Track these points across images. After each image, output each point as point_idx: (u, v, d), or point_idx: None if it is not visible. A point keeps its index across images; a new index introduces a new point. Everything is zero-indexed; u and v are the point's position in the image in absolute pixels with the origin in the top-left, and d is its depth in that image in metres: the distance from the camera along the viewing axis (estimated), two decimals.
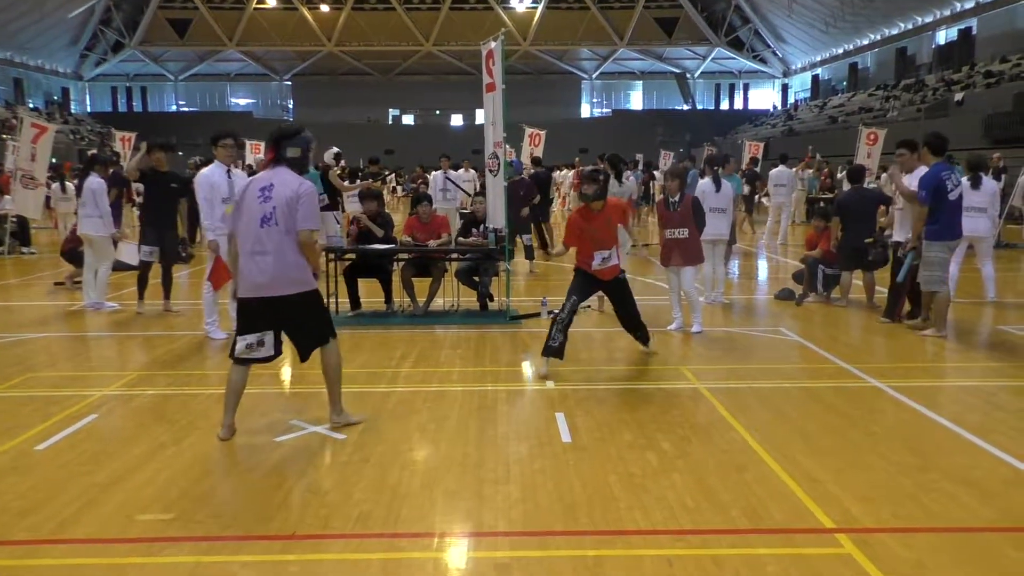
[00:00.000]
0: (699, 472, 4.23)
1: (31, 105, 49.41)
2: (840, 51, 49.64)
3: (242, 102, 62.24)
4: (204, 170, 7.59)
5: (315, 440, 4.80)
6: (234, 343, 4.77)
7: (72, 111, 54.36)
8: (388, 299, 8.96)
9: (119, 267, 11.42)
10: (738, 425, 4.98)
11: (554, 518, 3.69)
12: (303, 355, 4.94)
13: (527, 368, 6.58)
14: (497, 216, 8.43)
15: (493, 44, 8.18)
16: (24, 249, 15.45)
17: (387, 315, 8.72)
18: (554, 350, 6.20)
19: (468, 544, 3.47)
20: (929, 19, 40.75)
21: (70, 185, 17.81)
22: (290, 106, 61.35)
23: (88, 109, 57.93)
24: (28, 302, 10.13)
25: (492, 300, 9.01)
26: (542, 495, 3.94)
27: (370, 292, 9.14)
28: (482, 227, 8.93)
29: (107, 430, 4.98)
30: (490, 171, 8.61)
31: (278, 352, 4.79)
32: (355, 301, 8.82)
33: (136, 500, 3.89)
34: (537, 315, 8.60)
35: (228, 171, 7.49)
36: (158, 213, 8.76)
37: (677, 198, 7.73)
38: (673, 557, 3.31)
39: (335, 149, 14.14)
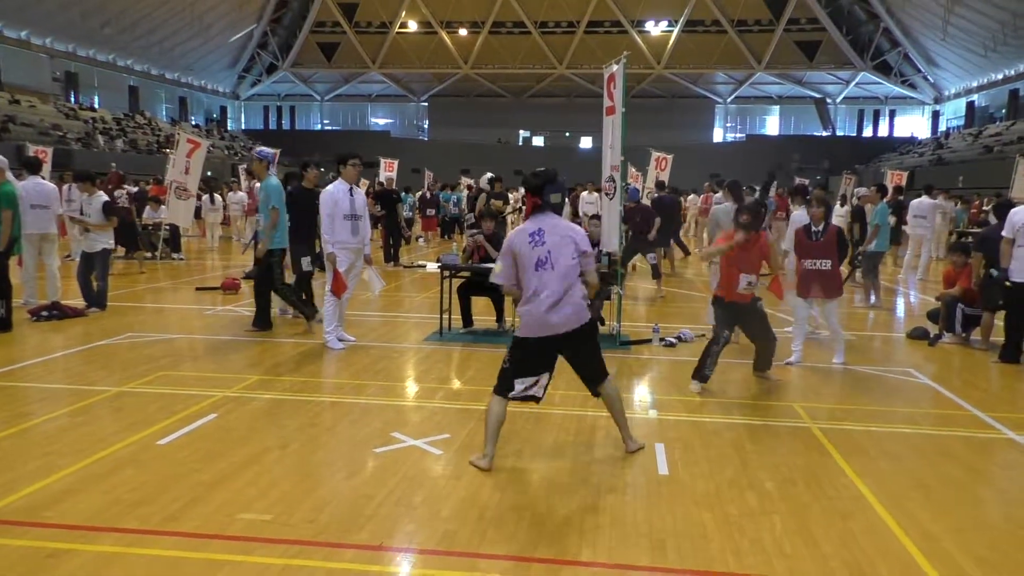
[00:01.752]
0: (801, 517, 4.01)
1: (193, 122, 53.66)
2: (999, 76, 46.17)
3: (381, 121, 64.94)
4: (329, 187, 7.98)
5: (413, 454, 4.88)
6: (508, 381, 4.67)
7: (228, 128, 58.57)
8: (499, 317, 9.06)
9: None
10: (850, 470, 4.68)
11: (639, 552, 3.59)
12: (593, 388, 4.89)
13: (636, 397, 6.46)
14: (611, 239, 8.37)
15: (615, 67, 8.15)
16: (175, 255, 16.67)
17: (498, 333, 8.81)
18: (705, 377, 6.51)
19: (546, 571, 3.42)
20: None
21: (219, 197, 19.16)
22: (425, 126, 63.44)
23: (242, 126, 62.08)
24: (173, 305, 10.90)
25: (603, 324, 8.92)
26: (630, 527, 3.84)
27: (483, 310, 9.28)
28: (596, 250, 8.88)
29: (222, 430, 5.26)
30: (606, 194, 8.57)
31: (543, 395, 4.76)
32: (468, 318, 8.97)
33: (239, 499, 4.08)
34: (648, 341, 8.45)
35: (351, 189, 7.87)
36: (308, 229, 9.20)
37: (821, 227, 7.44)
38: None
39: (490, 174, 14.47)
